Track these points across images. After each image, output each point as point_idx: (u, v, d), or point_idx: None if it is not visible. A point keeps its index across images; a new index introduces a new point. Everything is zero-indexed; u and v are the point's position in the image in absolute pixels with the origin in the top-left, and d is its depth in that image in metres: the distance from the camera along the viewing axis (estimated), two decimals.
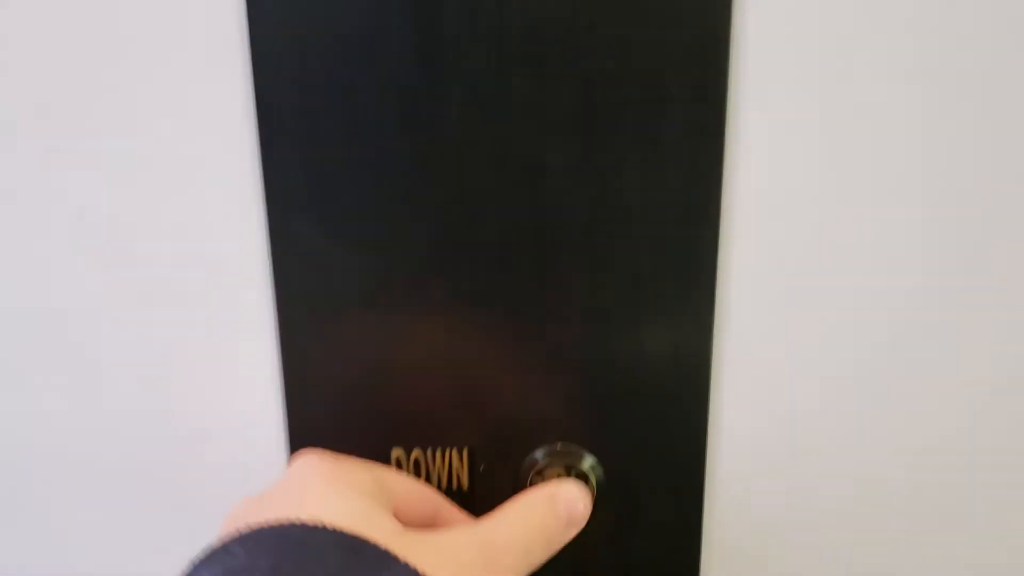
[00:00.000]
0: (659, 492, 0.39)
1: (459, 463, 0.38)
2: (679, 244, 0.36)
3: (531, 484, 0.39)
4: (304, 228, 0.35)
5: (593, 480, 0.39)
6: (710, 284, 0.37)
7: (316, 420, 0.38)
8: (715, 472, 0.40)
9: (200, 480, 0.39)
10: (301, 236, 0.35)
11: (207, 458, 0.39)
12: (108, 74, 0.35)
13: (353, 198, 0.35)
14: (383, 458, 0.38)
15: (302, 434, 0.38)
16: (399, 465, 0.38)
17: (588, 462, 0.39)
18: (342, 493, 0.28)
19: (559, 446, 0.39)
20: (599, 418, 0.39)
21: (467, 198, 0.35)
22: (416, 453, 0.38)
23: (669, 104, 0.34)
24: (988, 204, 0.37)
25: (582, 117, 0.34)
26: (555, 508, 0.33)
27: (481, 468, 0.39)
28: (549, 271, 0.36)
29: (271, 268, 0.36)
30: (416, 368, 0.37)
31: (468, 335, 0.37)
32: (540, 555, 0.32)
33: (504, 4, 0.33)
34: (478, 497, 0.38)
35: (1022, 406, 0.40)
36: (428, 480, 0.38)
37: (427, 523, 0.34)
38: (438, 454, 0.38)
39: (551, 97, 0.34)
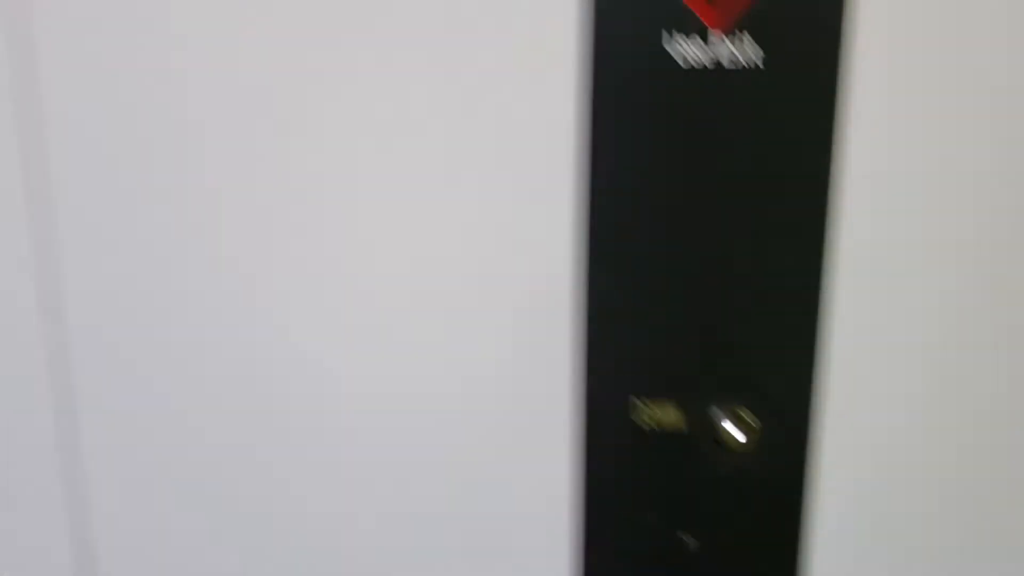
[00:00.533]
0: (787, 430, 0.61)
1: (675, 412, 0.62)
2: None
3: (714, 423, 0.61)
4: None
5: (753, 424, 0.60)
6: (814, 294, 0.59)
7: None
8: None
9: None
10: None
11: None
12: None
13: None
14: (623, 403, 0.63)
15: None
16: (634, 409, 0.62)
17: (749, 415, 0.60)
18: None
19: (732, 403, 0.60)
20: (755, 388, 0.58)
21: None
22: (644, 400, 0.62)
23: (787, 182, 0.58)
24: None
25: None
26: None
27: (687, 417, 0.62)
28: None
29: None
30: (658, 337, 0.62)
31: (684, 331, 0.62)
32: None
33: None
34: (690, 435, 0.62)
35: None
36: (652, 420, 0.62)
37: None
38: (655, 402, 0.62)
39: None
